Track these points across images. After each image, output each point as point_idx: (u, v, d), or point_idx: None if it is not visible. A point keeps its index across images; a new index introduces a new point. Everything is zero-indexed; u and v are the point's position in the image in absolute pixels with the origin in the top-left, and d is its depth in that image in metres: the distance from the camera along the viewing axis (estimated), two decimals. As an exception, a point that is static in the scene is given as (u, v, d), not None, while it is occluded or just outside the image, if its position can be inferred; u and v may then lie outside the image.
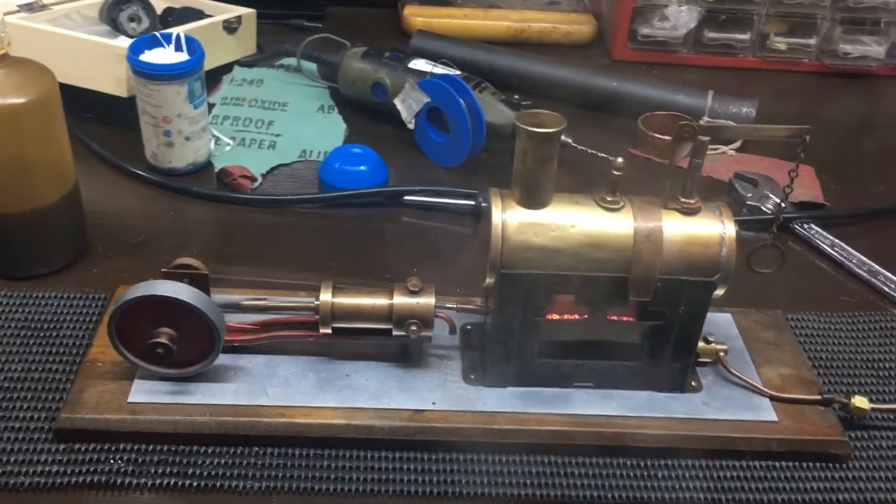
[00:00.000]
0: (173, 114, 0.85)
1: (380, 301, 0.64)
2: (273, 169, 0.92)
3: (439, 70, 0.96)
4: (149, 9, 1.03)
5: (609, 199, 0.60)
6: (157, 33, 0.86)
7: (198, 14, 1.07)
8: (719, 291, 0.62)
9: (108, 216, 0.82)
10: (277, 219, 0.86)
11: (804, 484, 0.63)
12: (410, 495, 0.60)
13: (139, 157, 0.90)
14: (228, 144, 0.94)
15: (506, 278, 0.60)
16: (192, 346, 0.62)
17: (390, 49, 1.01)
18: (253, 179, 0.88)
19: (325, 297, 0.63)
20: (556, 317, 0.63)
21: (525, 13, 1.21)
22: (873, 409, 0.66)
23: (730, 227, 0.60)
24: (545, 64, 1.08)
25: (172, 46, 0.85)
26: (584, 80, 1.06)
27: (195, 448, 0.61)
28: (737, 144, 1.01)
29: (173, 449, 0.61)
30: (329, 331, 0.64)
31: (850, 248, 0.86)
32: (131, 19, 1.03)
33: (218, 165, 0.91)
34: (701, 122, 1.03)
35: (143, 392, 0.63)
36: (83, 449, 0.60)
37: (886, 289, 0.82)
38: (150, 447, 0.61)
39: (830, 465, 0.64)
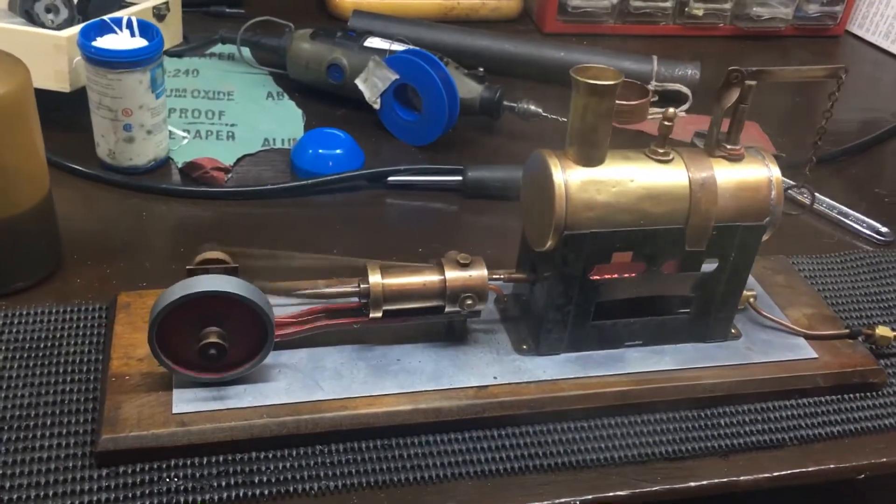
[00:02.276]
0: (135, 105, 0.77)
1: (431, 278, 0.61)
2: (239, 160, 0.86)
3: (397, 47, 0.93)
4: (66, -2, 0.94)
5: (661, 151, 0.60)
6: (106, 18, 0.78)
7: (118, 2, 0.98)
8: (767, 235, 0.62)
9: (75, 222, 0.74)
10: (258, 210, 0.80)
11: (851, 414, 0.65)
12: (492, 475, 0.57)
13: (90, 156, 0.82)
14: (185, 137, 0.87)
15: (570, 239, 0.58)
16: (239, 344, 0.57)
17: (342, 29, 0.97)
18: (227, 171, 0.82)
19: (375, 278, 0.59)
20: (610, 276, 0.62)
21: (452, -10, 1.19)
22: (896, 337, 0.69)
23: (775, 171, 0.61)
24: (489, 38, 1.07)
25: (126, 31, 0.78)
26: (531, 52, 1.06)
27: (256, 454, 0.56)
28: (686, 106, 1.04)
29: (232, 458, 0.56)
30: (380, 314, 0.60)
31: (817, 194, 0.90)
32: (48, 10, 0.93)
33: (178, 160, 0.84)
34: (649, 85, 1.05)
35: (186, 401, 0.57)
36: (131, 471, 0.54)
37: (859, 227, 0.87)
38: (207, 459, 0.55)
39: (869, 393, 0.67)
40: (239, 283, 0.55)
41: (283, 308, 0.60)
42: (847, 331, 0.69)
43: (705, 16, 1.23)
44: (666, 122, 0.59)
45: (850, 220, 0.87)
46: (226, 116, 0.92)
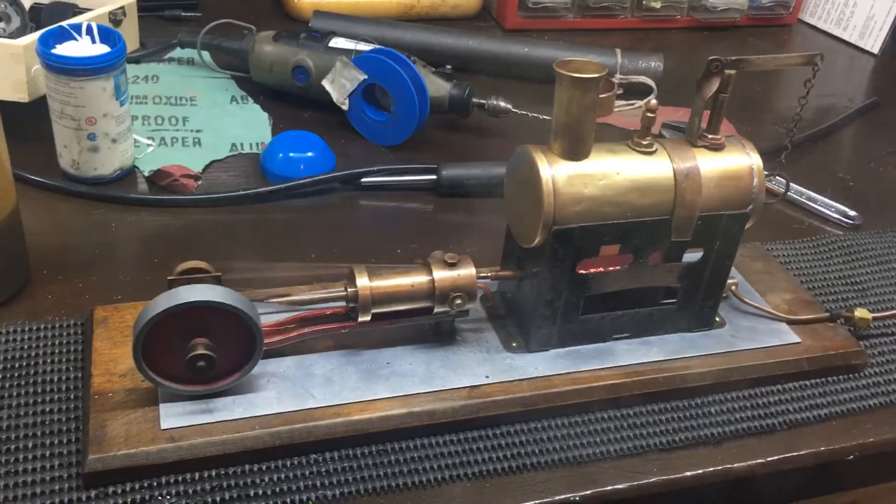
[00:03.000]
0: (98, 113, 0.75)
1: (419, 279, 0.60)
2: (207, 166, 0.84)
3: (363, 47, 0.92)
4: (18, 5, 0.91)
5: (644, 142, 0.60)
6: (65, 24, 0.76)
7: (71, 8, 0.95)
8: (749, 223, 0.63)
9: (41, 237, 0.71)
10: (230, 217, 0.79)
11: (836, 396, 0.66)
12: (490, 475, 0.57)
13: (51, 168, 0.80)
14: (150, 145, 0.85)
15: (558, 235, 0.58)
16: (227, 355, 0.55)
17: (305, 30, 0.95)
18: (197, 178, 0.80)
19: (363, 281, 0.58)
20: (597, 270, 0.62)
21: (411, -12, 1.18)
22: (874, 319, 0.70)
23: (755, 158, 0.62)
24: (453, 36, 1.06)
25: (87, 38, 0.76)
26: (495, 49, 1.06)
27: (250, 467, 0.55)
28: (650, 98, 1.04)
29: (225, 472, 0.54)
30: (368, 318, 0.59)
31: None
32: (-1, 18, 0.90)
33: (144, 168, 0.82)
34: (614, 78, 1.05)
35: (174, 416, 0.55)
36: (121, 491, 0.52)
37: (828, 212, 0.88)
38: (199, 475, 0.54)
39: (852, 375, 0.68)
40: (226, 293, 0.53)
41: (266, 316, 0.59)
42: (827, 314, 0.70)
43: (663, 8, 1.24)
44: (648, 114, 0.59)
45: (819, 206, 0.88)
46: (190, 122, 0.90)
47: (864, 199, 0.91)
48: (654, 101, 0.59)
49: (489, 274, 0.63)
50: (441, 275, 0.60)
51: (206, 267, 0.57)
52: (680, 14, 1.26)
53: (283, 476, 0.55)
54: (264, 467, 0.55)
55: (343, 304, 0.60)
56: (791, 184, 0.90)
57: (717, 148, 0.61)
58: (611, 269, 0.62)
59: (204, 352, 0.53)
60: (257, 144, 0.88)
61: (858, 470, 0.64)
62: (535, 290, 0.61)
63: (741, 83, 1.15)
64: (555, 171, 0.57)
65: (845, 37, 1.29)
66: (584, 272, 0.61)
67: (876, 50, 1.25)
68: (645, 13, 1.24)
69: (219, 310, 0.53)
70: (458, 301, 0.60)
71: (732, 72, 0.59)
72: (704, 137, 0.61)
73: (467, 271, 0.60)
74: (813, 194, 0.90)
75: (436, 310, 0.61)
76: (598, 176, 0.58)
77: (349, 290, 0.59)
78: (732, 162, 0.61)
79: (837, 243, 0.83)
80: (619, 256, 0.62)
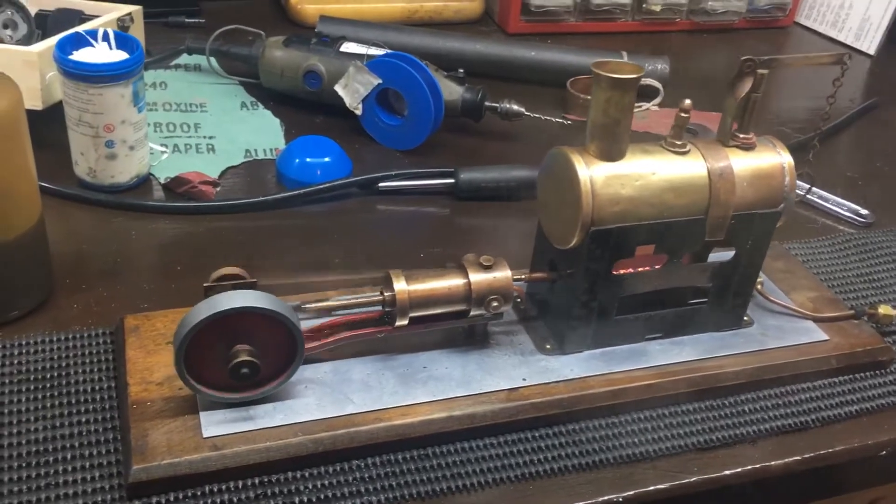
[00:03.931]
0: (117, 120, 0.74)
1: (455, 282, 0.60)
2: (223, 172, 0.83)
3: (375, 52, 0.92)
4: (24, 12, 0.90)
5: (678, 143, 0.60)
6: (81, 31, 0.75)
7: (78, 14, 0.94)
8: (780, 222, 0.63)
9: (62, 245, 0.70)
10: (249, 223, 0.78)
11: (865, 393, 0.66)
12: (532, 477, 0.57)
13: (67, 176, 0.79)
14: (164, 152, 0.84)
15: (596, 235, 0.58)
16: (268, 361, 0.55)
17: (316, 35, 0.95)
18: (215, 185, 0.80)
19: (401, 285, 0.58)
20: (630, 270, 0.62)
21: (414, -7, 1.18)
22: (897, 315, 0.71)
23: (786, 157, 0.62)
24: (459, 40, 1.06)
25: (104, 44, 0.75)
26: (502, 53, 1.06)
27: (293, 474, 0.54)
28: (658, 100, 1.05)
29: (269, 480, 0.54)
30: (406, 322, 0.59)
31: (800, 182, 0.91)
32: (5, 26, 0.89)
33: (160, 175, 0.81)
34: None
35: (216, 424, 0.54)
36: (164, 501, 0.52)
37: (840, 210, 0.89)
38: (243, 483, 0.53)
39: (879, 371, 0.68)
40: (269, 298, 0.53)
41: (302, 322, 0.58)
42: (852, 312, 0.70)
43: (662, 11, 1.25)
44: (682, 114, 0.59)
45: (831, 204, 0.89)
46: (202, 129, 0.89)
47: (874, 197, 0.92)
48: (688, 102, 0.59)
49: (523, 276, 0.63)
50: (477, 277, 0.60)
51: (242, 273, 0.56)
52: (679, 17, 1.26)
53: (326, 483, 0.54)
54: (307, 474, 0.55)
55: (379, 308, 0.59)
56: (803, 183, 0.91)
57: (748, 147, 0.61)
58: (646, 269, 0.62)
59: (248, 358, 0.53)
60: (271, 150, 0.87)
61: (889, 465, 0.64)
62: (570, 291, 0.61)
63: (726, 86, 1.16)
64: (592, 172, 0.57)
65: (841, 38, 1.30)
66: (619, 272, 0.61)
67: (872, 51, 1.27)
68: (645, 16, 1.25)
69: (261, 316, 0.53)
70: (495, 304, 0.60)
71: (765, 71, 0.59)
72: (736, 137, 0.61)
73: (503, 274, 0.60)
74: (825, 193, 0.90)
75: (472, 312, 0.60)
76: (635, 176, 0.58)
77: (386, 294, 0.59)
78: (764, 161, 0.62)
79: (853, 241, 0.83)
80: (651, 256, 0.62)
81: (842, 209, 0.89)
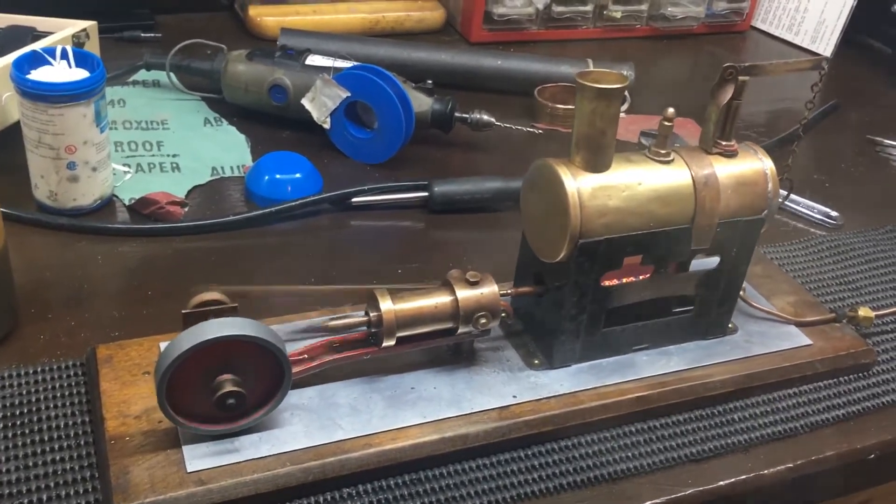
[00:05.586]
0: (79, 141, 0.71)
1: (442, 299, 0.58)
2: (189, 191, 0.81)
3: (342, 64, 0.90)
4: (-27, 31, 0.87)
5: (662, 151, 0.59)
6: (38, 49, 0.72)
7: (30, 31, 0.91)
8: (764, 228, 0.63)
9: (24, 273, 0.67)
10: (219, 243, 0.75)
11: (850, 396, 0.66)
12: (528, 497, 0.55)
13: (25, 200, 0.75)
14: (127, 172, 0.81)
15: (584, 248, 0.57)
16: (252, 390, 0.53)
17: (280, 48, 0.93)
18: (183, 204, 0.77)
19: (387, 305, 0.56)
20: (617, 281, 0.62)
21: (374, 4, 1.17)
22: (876, 317, 0.71)
23: (768, 163, 0.62)
24: (425, 50, 1.05)
25: (63, 62, 0.72)
26: (468, 62, 1.05)
27: (282, 506, 0.52)
28: (625, 106, 1.05)
29: (258, 514, 0.52)
30: (393, 342, 0.57)
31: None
32: (-47, 45, 0.85)
33: (124, 196, 0.78)
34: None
35: (200, 457, 0.52)
36: (150, 541, 0.49)
37: (811, 213, 0.89)
38: (231, 518, 0.51)
39: (861, 374, 0.68)
40: (254, 325, 0.51)
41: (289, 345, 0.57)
42: (833, 315, 0.70)
43: (623, 18, 1.25)
44: (666, 122, 0.59)
45: (802, 207, 0.90)
46: (165, 147, 0.87)
47: (842, 199, 0.92)
48: (671, 110, 0.58)
49: (510, 291, 0.62)
50: (464, 294, 0.58)
51: (222, 298, 0.54)
52: (640, 23, 1.27)
53: (318, 513, 0.52)
54: (298, 505, 0.53)
55: (364, 329, 0.58)
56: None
57: (731, 154, 0.61)
58: (634, 279, 0.61)
59: (233, 388, 0.50)
60: (239, 167, 0.85)
61: (877, 468, 0.64)
62: (557, 304, 0.60)
63: (695, 93, 1.17)
64: (579, 184, 0.56)
65: (797, 41, 1.32)
66: (608, 284, 0.60)
67: (829, 53, 1.28)
68: (606, 23, 1.25)
69: (244, 344, 0.51)
70: (483, 321, 0.58)
71: (746, 78, 0.59)
72: (718, 144, 0.61)
73: (490, 289, 0.59)
74: (795, 196, 0.91)
75: (459, 330, 0.59)
76: (622, 187, 0.57)
77: (372, 314, 0.57)
78: (747, 167, 0.61)
79: (826, 244, 0.84)
80: (637, 267, 0.61)
81: (812, 212, 0.89)
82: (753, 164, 0.62)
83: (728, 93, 0.59)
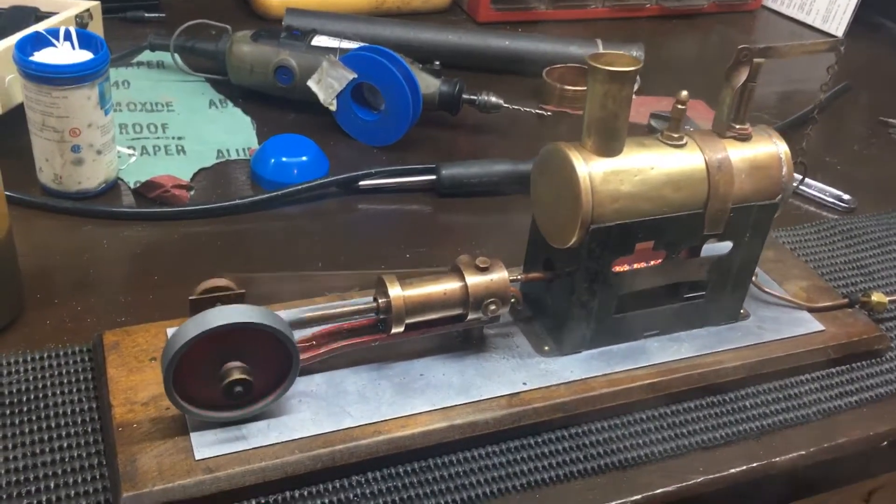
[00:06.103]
0: (83, 124, 0.71)
1: (451, 285, 0.57)
2: (195, 175, 0.80)
3: (348, 45, 0.89)
4: (-25, 11, 0.86)
5: (675, 135, 0.58)
6: (41, 30, 0.71)
7: (33, 12, 0.90)
8: (778, 213, 0.62)
9: (29, 258, 0.67)
10: (226, 227, 0.75)
11: (863, 382, 0.66)
12: (538, 485, 0.55)
13: (29, 183, 0.75)
14: (132, 155, 0.80)
15: (596, 233, 0.56)
16: (261, 376, 0.52)
17: (285, 28, 0.92)
18: (189, 188, 0.76)
19: (396, 291, 0.56)
20: (628, 267, 0.61)
21: (381, -17, 1.15)
22: (890, 302, 0.71)
23: (783, 147, 0.61)
24: (432, 30, 1.04)
25: (66, 43, 0.71)
26: (476, 43, 1.04)
27: (291, 494, 0.52)
28: (635, 88, 1.03)
29: (267, 501, 0.51)
30: (402, 329, 0.57)
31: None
32: (-45, 27, 0.84)
33: (129, 180, 0.77)
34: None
35: (208, 445, 0.52)
36: (158, 529, 0.49)
37: (823, 196, 0.88)
38: (240, 506, 0.51)
39: (874, 360, 0.68)
40: (262, 312, 0.50)
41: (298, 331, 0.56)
42: (846, 300, 0.70)
43: (631, -3, 1.24)
44: (679, 106, 0.58)
45: (814, 190, 0.89)
46: (170, 129, 0.86)
47: (854, 182, 0.91)
48: (684, 93, 0.57)
49: (519, 277, 0.61)
50: (474, 280, 0.57)
51: (230, 284, 0.54)
52: (649, 2, 1.25)
53: (326, 501, 0.52)
54: (306, 493, 0.52)
55: (373, 315, 0.57)
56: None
57: (744, 138, 0.60)
58: (646, 265, 0.60)
59: (241, 376, 0.50)
60: (244, 150, 0.84)
61: (890, 454, 0.64)
62: (568, 290, 0.59)
63: (705, 74, 1.16)
64: (591, 169, 0.55)
65: (809, 21, 1.30)
66: (619, 270, 0.59)
67: (840, 33, 1.27)
68: (615, 3, 1.23)
69: (252, 331, 0.50)
70: (493, 307, 0.58)
71: (761, 60, 0.58)
72: (732, 128, 0.60)
73: (500, 275, 0.58)
74: (807, 179, 0.90)
75: (469, 316, 0.58)
76: (634, 172, 0.56)
77: (380, 300, 0.56)
78: (761, 151, 0.60)
79: (838, 227, 0.83)
80: (649, 252, 0.60)
81: (825, 195, 0.88)
82: (768, 148, 0.61)
83: (743, 75, 0.58)
